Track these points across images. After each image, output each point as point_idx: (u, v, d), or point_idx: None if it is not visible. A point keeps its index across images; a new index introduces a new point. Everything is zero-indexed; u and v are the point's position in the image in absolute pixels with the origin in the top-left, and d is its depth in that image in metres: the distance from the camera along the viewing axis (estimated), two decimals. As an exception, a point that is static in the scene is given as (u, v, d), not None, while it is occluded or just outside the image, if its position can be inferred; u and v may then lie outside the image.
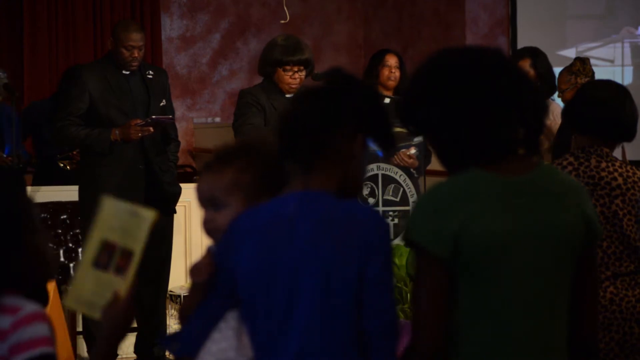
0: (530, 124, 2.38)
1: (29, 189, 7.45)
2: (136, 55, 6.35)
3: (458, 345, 2.31)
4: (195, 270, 2.51)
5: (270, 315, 2.39)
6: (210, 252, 2.56)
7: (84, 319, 6.60)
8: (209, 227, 2.58)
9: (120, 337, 2.34)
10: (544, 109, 2.41)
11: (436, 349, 2.28)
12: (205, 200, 2.57)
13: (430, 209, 2.32)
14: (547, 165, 2.47)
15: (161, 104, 6.49)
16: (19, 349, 2.22)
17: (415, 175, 6.76)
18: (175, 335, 2.53)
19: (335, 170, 2.44)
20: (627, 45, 9.86)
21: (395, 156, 6.72)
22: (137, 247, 2.33)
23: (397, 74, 7.19)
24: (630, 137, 3.81)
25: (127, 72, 6.41)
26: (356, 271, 2.34)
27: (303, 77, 6.14)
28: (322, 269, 2.36)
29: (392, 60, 7.24)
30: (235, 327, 2.45)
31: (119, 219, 2.35)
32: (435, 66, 2.41)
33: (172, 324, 7.00)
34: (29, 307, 2.28)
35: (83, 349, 6.74)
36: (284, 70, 6.09)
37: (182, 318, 2.56)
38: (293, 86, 6.12)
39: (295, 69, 6.10)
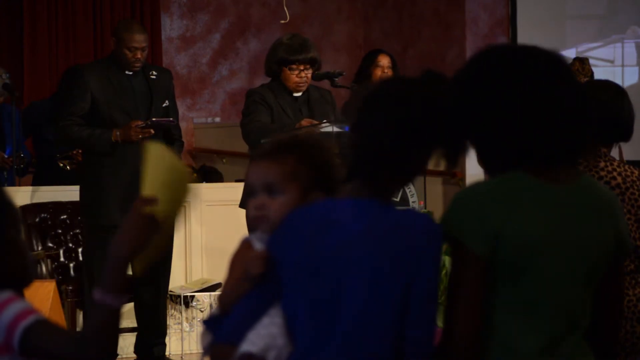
0: (577, 135, 2.37)
1: (29, 188, 7.45)
2: (139, 56, 6.34)
3: (490, 343, 2.31)
4: (253, 262, 2.46)
5: (313, 317, 2.36)
6: (247, 243, 2.53)
7: (84, 318, 6.60)
8: (258, 213, 2.53)
9: (134, 250, 2.26)
10: (593, 123, 2.39)
11: (472, 346, 2.27)
12: (260, 185, 2.54)
13: (472, 206, 2.30)
14: (588, 177, 2.45)
15: (164, 104, 6.48)
16: (12, 327, 2.26)
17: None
18: (220, 319, 2.52)
19: (401, 183, 2.43)
20: (627, 45, 9.87)
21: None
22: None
23: (390, 74, 7.20)
24: (627, 137, 3.81)
25: (130, 73, 6.40)
26: (405, 282, 2.31)
27: (310, 76, 6.14)
28: (370, 277, 2.33)
29: (384, 61, 7.26)
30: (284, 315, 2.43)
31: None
32: (496, 62, 2.37)
33: (172, 324, 7.01)
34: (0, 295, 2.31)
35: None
36: (290, 70, 6.10)
37: (223, 306, 2.53)
38: (300, 85, 6.12)
39: (302, 67, 6.10)
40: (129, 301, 6.65)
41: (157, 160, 2.34)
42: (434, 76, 2.38)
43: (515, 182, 2.33)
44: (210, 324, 2.53)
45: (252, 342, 2.40)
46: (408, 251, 2.31)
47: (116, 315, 2.26)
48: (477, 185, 2.36)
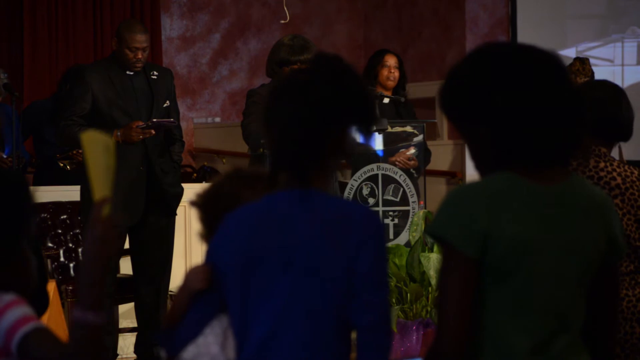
0: (570, 135, 2.37)
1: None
2: (140, 56, 6.33)
3: (481, 343, 2.31)
4: (195, 278, 2.54)
5: (247, 305, 2.42)
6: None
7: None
8: None
9: (105, 262, 2.24)
10: (586, 124, 2.40)
11: (461, 348, 2.28)
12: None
13: (461, 207, 2.31)
14: (579, 177, 2.44)
15: (165, 104, 6.47)
16: (11, 332, 2.27)
17: (415, 175, 6.76)
18: (171, 332, 2.57)
19: (330, 168, 2.50)
20: (627, 45, 9.87)
21: (395, 157, 6.72)
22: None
23: (396, 74, 7.20)
24: (627, 136, 3.81)
25: (131, 73, 6.39)
26: (346, 265, 2.38)
27: None
28: (310, 265, 2.39)
29: (391, 61, 7.25)
30: (225, 327, 2.52)
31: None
32: (502, 58, 2.36)
33: (172, 324, 7.00)
34: (1, 299, 2.31)
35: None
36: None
37: (171, 320, 2.60)
38: None
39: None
40: (129, 301, 6.65)
41: (94, 148, 2.32)
42: (329, 58, 2.49)
43: (504, 182, 2.33)
44: (158, 338, 2.61)
45: (188, 350, 2.53)
46: (346, 237, 2.39)
47: (99, 331, 2.23)
48: (466, 186, 2.37)
